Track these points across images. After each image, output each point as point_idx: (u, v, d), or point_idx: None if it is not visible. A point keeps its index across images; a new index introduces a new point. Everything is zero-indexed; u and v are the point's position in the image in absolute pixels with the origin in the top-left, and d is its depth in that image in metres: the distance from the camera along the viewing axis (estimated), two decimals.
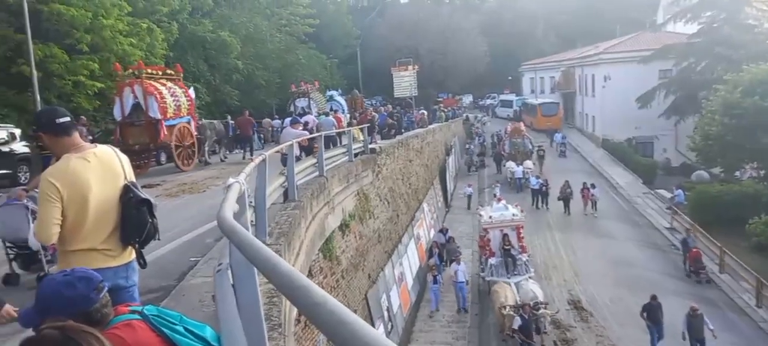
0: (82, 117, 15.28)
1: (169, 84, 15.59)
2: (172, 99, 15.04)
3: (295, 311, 5.84)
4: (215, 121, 19.26)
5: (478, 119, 50.68)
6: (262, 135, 25.07)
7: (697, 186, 26.65)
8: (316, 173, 10.40)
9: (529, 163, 30.67)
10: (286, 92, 38.73)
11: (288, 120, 14.40)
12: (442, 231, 21.23)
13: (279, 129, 20.62)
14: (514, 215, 18.32)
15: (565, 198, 25.40)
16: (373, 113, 26.48)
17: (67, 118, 2.99)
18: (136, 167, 14.37)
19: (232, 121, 21.16)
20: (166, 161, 16.15)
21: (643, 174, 32.14)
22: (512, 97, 56.60)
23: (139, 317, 1.85)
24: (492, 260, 17.28)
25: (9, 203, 5.95)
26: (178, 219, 8.69)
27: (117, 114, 14.76)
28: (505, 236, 17.35)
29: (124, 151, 10.63)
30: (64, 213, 2.86)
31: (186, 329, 1.87)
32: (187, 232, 7.75)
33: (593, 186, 26.20)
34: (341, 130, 16.48)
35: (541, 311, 13.97)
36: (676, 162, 36.12)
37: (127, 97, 14.39)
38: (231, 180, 3.44)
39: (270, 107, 34.98)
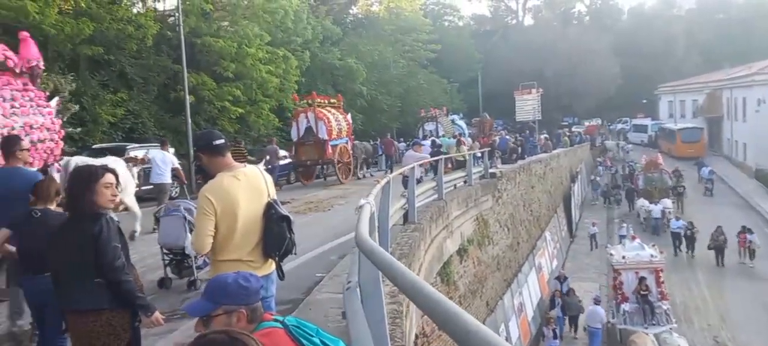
0: (241, 141, 16.76)
1: (333, 111, 18.43)
2: (336, 123, 17.85)
3: (413, 333, 5.87)
4: (365, 143, 22.41)
5: (620, 146, 46.89)
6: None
7: None
8: (436, 196, 10.44)
9: (667, 201, 26.97)
10: (408, 116, 39.66)
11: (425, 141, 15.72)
12: (560, 279, 18.80)
13: (402, 151, 21.25)
14: (652, 255, 16.60)
15: (718, 247, 21.48)
16: (495, 137, 26.10)
17: (223, 140, 3.35)
18: (305, 178, 17.90)
19: (380, 143, 24.40)
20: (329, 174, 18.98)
21: None
22: (647, 121, 52.65)
23: (280, 325, 1.99)
24: (625, 306, 15.73)
25: (169, 212, 6.64)
26: (304, 236, 9.14)
27: (294, 135, 17.82)
28: (641, 279, 15.80)
29: (297, 165, 14.25)
30: (216, 226, 3.17)
31: (322, 342, 1.97)
32: (313, 249, 8.15)
33: (750, 231, 22.10)
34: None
35: None
36: None
37: (301, 122, 17.49)
38: (362, 201, 3.58)
39: (391, 130, 35.90)
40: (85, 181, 3.03)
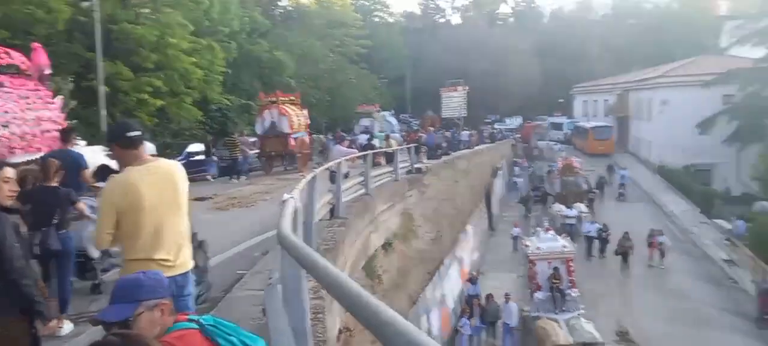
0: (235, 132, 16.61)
1: (293, 107, 20.17)
2: (296, 118, 19.67)
3: (336, 328, 5.96)
4: (321, 136, 24.01)
5: (549, 147, 46.38)
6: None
7: (759, 217, 25.25)
8: (363, 191, 10.57)
9: (581, 205, 26.81)
10: (337, 111, 39.65)
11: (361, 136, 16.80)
12: (471, 280, 18.62)
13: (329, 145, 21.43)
14: (564, 246, 17.58)
15: (624, 252, 21.62)
16: (421, 134, 26.72)
17: (138, 133, 3.20)
18: (269, 167, 19.36)
19: (333, 137, 25.11)
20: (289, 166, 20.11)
21: (700, 203, 30.73)
22: (563, 120, 55.51)
23: (196, 326, 1.99)
24: (538, 295, 16.53)
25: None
26: (227, 232, 9.01)
27: (259, 129, 19.49)
28: (555, 269, 16.70)
29: (262, 156, 16.13)
30: (119, 224, 3.05)
31: (241, 341, 1.98)
32: (234, 245, 8.03)
33: (660, 233, 22.82)
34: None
35: None
36: (736, 191, 34.34)
37: (266, 117, 19.19)
38: (286, 196, 3.59)
39: (320, 125, 35.74)
40: None
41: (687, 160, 36.50)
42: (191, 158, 18.55)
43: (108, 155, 6.37)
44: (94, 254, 5.85)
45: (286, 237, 2.52)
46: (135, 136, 3.17)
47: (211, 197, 12.96)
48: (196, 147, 19.67)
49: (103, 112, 16.74)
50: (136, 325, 1.95)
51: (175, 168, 3.33)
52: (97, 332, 2.23)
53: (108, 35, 19.09)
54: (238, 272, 6.50)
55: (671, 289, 19.95)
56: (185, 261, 3.25)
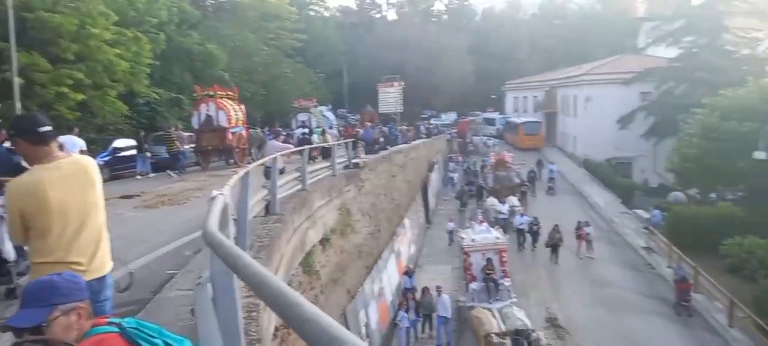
0: (76, 129, 15.23)
1: (231, 102, 19.99)
2: (234, 113, 19.54)
3: (272, 326, 5.86)
4: (258, 130, 23.84)
5: (483, 142, 47.23)
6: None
7: (673, 207, 27.15)
8: (299, 187, 10.44)
9: (513, 199, 27.61)
10: (272, 105, 38.96)
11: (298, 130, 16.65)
12: (408, 273, 18.66)
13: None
14: (497, 238, 18.07)
15: (554, 245, 22.15)
16: (358, 129, 26.78)
17: (49, 128, 2.95)
18: (205, 162, 19.05)
19: (270, 131, 24.83)
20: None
21: (621, 194, 32.63)
22: (495, 115, 57.25)
23: (116, 329, 1.89)
24: (473, 285, 16.95)
25: None
26: (156, 231, 8.65)
27: (195, 123, 19.23)
28: (488, 260, 17.15)
29: (199, 151, 15.66)
30: (27, 224, 2.85)
31: (165, 343, 1.90)
32: (164, 244, 7.72)
33: (587, 224, 23.64)
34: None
35: (535, 335, 13.61)
36: (653, 183, 36.74)
37: (202, 111, 18.94)
38: (215, 193, 3.47)
39: (255, 120, 35.00)
40: None
41: (609, 153, 38.67)
42: (118, 154, 17.67)
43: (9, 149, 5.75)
44: (10, 256, 5.43)
45: (212, 235, 2.43)
46: (47, 131, 2.93)
47: (138, 195, 12.38)
48: (123, 142, 18.67)
49: (18, 106, 15.59)
50: (51, 330, 1.84)
51: (88, 164, 3.11)
52: (8, 339, 2.07)
53: (23, 23, 17.77)
54: (168, 271, 6.25)
55: (596, 277, 21.07)
56: (102, 264, 3.05)
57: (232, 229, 4.26)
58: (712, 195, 27.77)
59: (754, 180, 22.29)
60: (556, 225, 22.65)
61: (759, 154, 18.98)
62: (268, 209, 8.60)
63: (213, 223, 2.60)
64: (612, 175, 35.87)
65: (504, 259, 17.69)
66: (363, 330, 13.63)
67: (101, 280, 3.04)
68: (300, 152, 11.32)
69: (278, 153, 10.41)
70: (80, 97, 18.89)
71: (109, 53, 20.15)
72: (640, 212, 29.53)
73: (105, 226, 3.13)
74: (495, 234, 18.34)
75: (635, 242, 25.37)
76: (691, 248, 21.45)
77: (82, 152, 10.48)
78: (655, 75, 36.90)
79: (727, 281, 19.06)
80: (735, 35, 35.32)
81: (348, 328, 9.71)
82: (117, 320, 1.93)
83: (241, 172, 6.09)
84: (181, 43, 29.08)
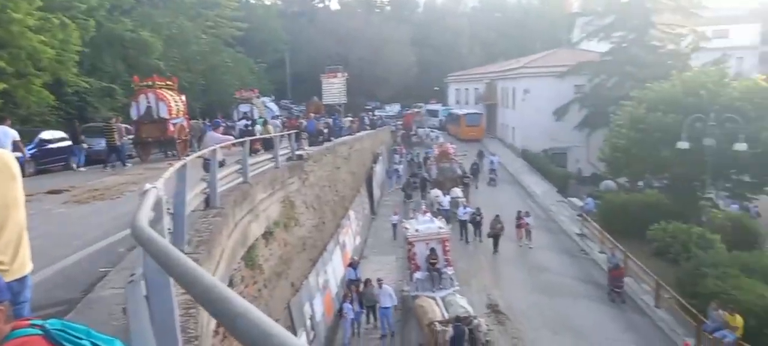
0: (8, 119, 14.21)
1: (171, 92, 19.52)
2: (175, 103, 19.12)
3: (213, 322, 5.73)
4: (198, 121, 23.72)
5: (427, 134, 46.88)
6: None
7: (605, 195, 28.52)
8: (240, 180, 10.22)
9: (457, 190, 27.75)
10: (212, 95, 37.85)
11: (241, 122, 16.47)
12: (353, 265, 18.52)
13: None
14: (440, 228, 18.30)
15: (495, 234, 22.48)
16: (301, 120, 26.51)
17: None
18: (145, 154, 18.72)
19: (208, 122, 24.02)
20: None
21: (557, 183, 33.95)
22: (438, 107, 58.07)
23: (39, 332, 1.79)
24: (417, 275, 17.14)
25: None
26: (87, 227, 8.24)
27: (134, 114, 18.48)
28: (432, 250, 17.36)
29: (138, 143, 15.54)
30: None
31: (93, 344, 1.82)
32: (97, 241, 7.37)
33: (527, 214, 24.27)
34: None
35: (476, 321, 13.83)
36: (587, 172, 38.48)
37: (141, 102, 18.34)
38: (147, 186, 3.34)
39: (195, 110, 33.90)
40: None
41: (546, 144, 40.15)
42: (45, 147, 16.65)
43: None
44: None
45: (141, 229, 2.35)
46: None
47: (68, 189, 11.73)
48: (51, 134, 17.57)
49: None
50: None
51: (8, 159, 2.91)
52: None
53: None
54: (101, 269, 5.98)
55: (535, 263, 21.85)
56: (23, 264, 2.88)
57: (166, 223, 4.12)
58: (640, 183, 29.35)
59: (677, 169, 23.70)
60: (497, 215, 23.17)
61: (682, 144, 20.15)
62: (207, 202, 8.37)
63: (143, 217, 2.50)
64: (548, 165, 37.26)
65: (447, 248, 17.95)
66: (308, 323, 13.55)
67: (22, 281, 2.87)
68: (241, 144, 11.06)
69: (217, 145, 10.13)
70: (2, 86, 17.67)
71: (34, 40, 18.90)
72: (574, 200, 30.85)
73: (25, 225, 2.94)
74: (438, 224, 18.61)
75: (570, 229, 26.48)
76: (621, 234, 22.63)
77: (15, 144, 9.82)
78: (587, 69, 38.59)
79: (653, 264, 20.25)
80: (661, 31, 37.41)
81: (292, 321, 9.66)
82: (40, 322, 1.82)
83: (177, 164, 5.89)
84: (112, 30, 27.66)
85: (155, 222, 3.40)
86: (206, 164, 9.33)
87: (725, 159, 20.66)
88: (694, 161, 20.60)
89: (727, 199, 27.61)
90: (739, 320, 14.43)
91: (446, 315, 14.36)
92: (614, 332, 16.28)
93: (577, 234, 25.66)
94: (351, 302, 15.62)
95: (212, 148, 9.03)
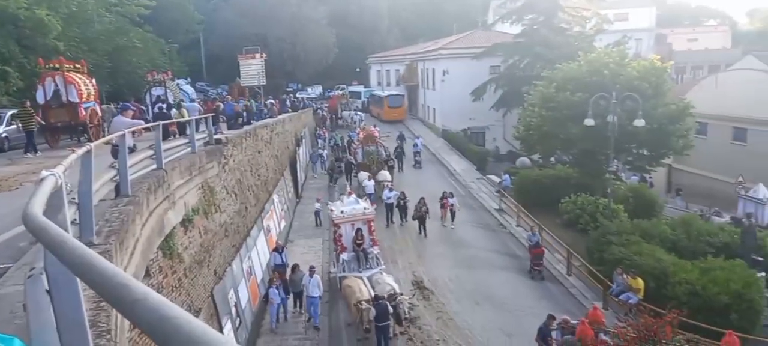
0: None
1: (80, 76, 18.65)
2: (85, 87, 18.32)
3: None
4: (111, 106, 23.23)
5: (352, 118, 45.88)
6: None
7: (520, 171, 29.89)
8: (154, 166, 9.72)
9: (386, 173, 27.74)
10: (119, 78, 35.57)
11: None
12: (278, 249, 17.78)
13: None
14: (365, 209, 18.37)
15: (421, 217, 22.68)
16: (219, 103, 25.60)
17: None
18: (54, 140, 17.75)
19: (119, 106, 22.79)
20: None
21: (476, 161, 35.13)
22: (361, 88, 58.04)
23: None
24: (344, 256, 17.22)
25: None
26: None
27: (40, 98, 17.56)
28: (358, 230, 17.45)
29: (48, 128, 13.72)
30: None
31: None
32: None
33: (451, 195, 24.58)
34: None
35: (399, 298, 14.14)
36: (504, 150, 40.11)
37: (48, 86, 17.46)
38: (45, 173, 3.08)
39: (102, 94, 31.74)
40: None
41: (465, 124, 41.37)
42: None
43: None
44: None
45: (33, 217, 2.17)
46: None
47: None
48: None
49: None
50: None
51: None
52: None
53: None
54: (0, 265, 5.51)
55: (457, 239, 22.57)
56: None
57: (68, 212, 3.85)
58: (552, 159, 30.96)
59: (584, 144, 25.17)
60: (422, 198, 23.29)
61: (588, 122, 21.34)
62: (118, 190, 7.90)
63: (37, 205, 2.31)
64: (467, 144, 38.44)
65: (372, 228, 18.12)
66: (233, 310, 13.24)
67: None
68: (154, 129, 10.49)
69: (126, 130, 9.55)
70: None
71: None
72: (492, 177, 32.09)
73: None
74: (363, 205, 18.69)
75: (489, 205, 27.55)
76: (535, 207, 23.85)
77: None
78: (501, 50, 39.94)
79: (564, 234, 21.55)
80: (568, 14, 39.34)
81: (217, 309, 9.41)
82: None
83: (80, 150, 5.49)
84: (4, 9, 25.22)
85: (55, 212, 3.16)
86: (115, 150, 8.79)
87: (626, 135, 22.16)
88: (599, 137, 21.94)
89: (628, 171, 29.76)
90: (640, 283, 15.71)
91: (373, 294, 14.57)
92: (531, 299, 17.20)
93: (496, 209, 26.73)
94: (277, 288, 15.40)
95: (120, 133, 8.51)
